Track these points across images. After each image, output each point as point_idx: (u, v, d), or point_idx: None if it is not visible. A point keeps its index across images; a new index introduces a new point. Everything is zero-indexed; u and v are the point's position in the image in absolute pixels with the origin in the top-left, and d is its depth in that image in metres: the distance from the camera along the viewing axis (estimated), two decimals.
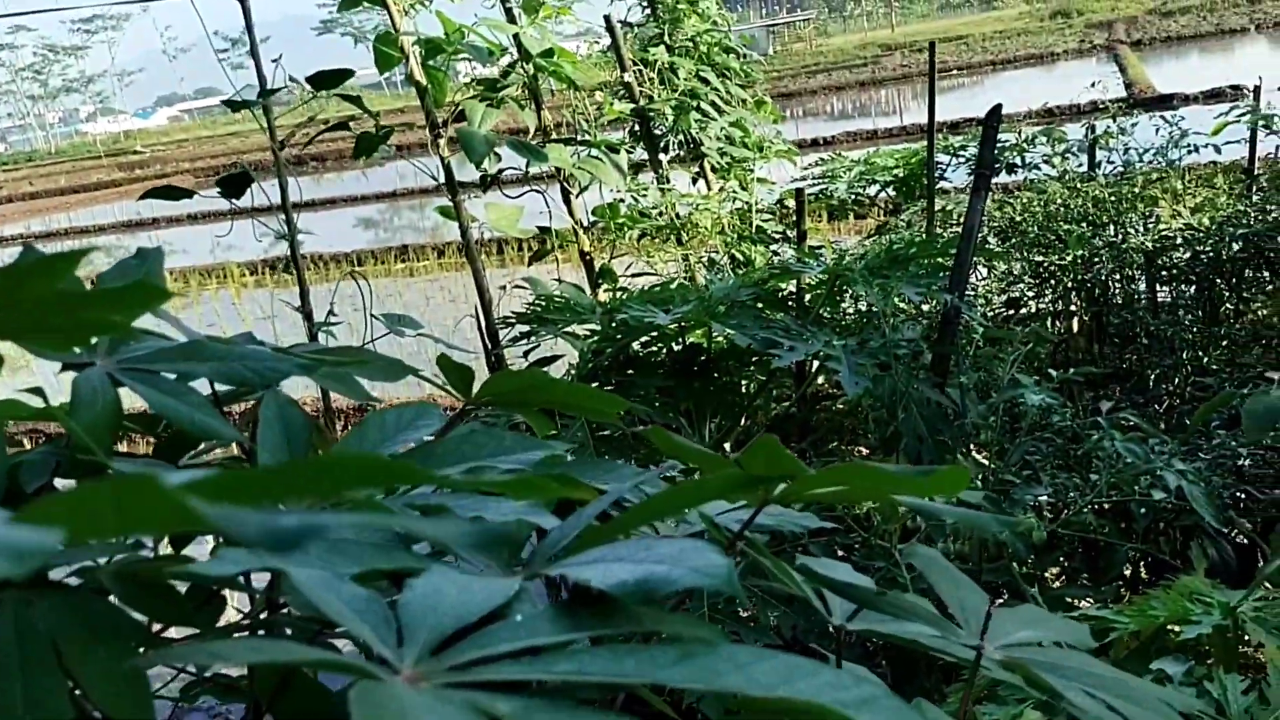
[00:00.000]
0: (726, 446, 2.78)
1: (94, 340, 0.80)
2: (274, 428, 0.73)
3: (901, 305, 2.88)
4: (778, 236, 4.57)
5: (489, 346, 3.16)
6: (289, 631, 0.84)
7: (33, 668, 0.52)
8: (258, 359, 0.80)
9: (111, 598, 0.62)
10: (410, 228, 16.88)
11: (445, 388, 1.13)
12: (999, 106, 2.19)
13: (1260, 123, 3.74)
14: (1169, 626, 1.61)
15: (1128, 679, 0.65)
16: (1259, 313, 3.69)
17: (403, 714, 0.37)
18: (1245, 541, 2.35)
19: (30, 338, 0.61)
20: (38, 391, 0.79)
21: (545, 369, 2.81)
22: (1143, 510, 1.97)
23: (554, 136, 3.86)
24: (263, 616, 0.86)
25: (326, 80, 2.49)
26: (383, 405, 1.18)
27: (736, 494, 0.68)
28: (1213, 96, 14.06)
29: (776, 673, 0.47)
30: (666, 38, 5.16)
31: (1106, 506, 2.08)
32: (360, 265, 12.35)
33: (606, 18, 4.79)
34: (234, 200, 2.48)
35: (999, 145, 3.45)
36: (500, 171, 3.60)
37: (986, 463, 2.26)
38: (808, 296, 2.99)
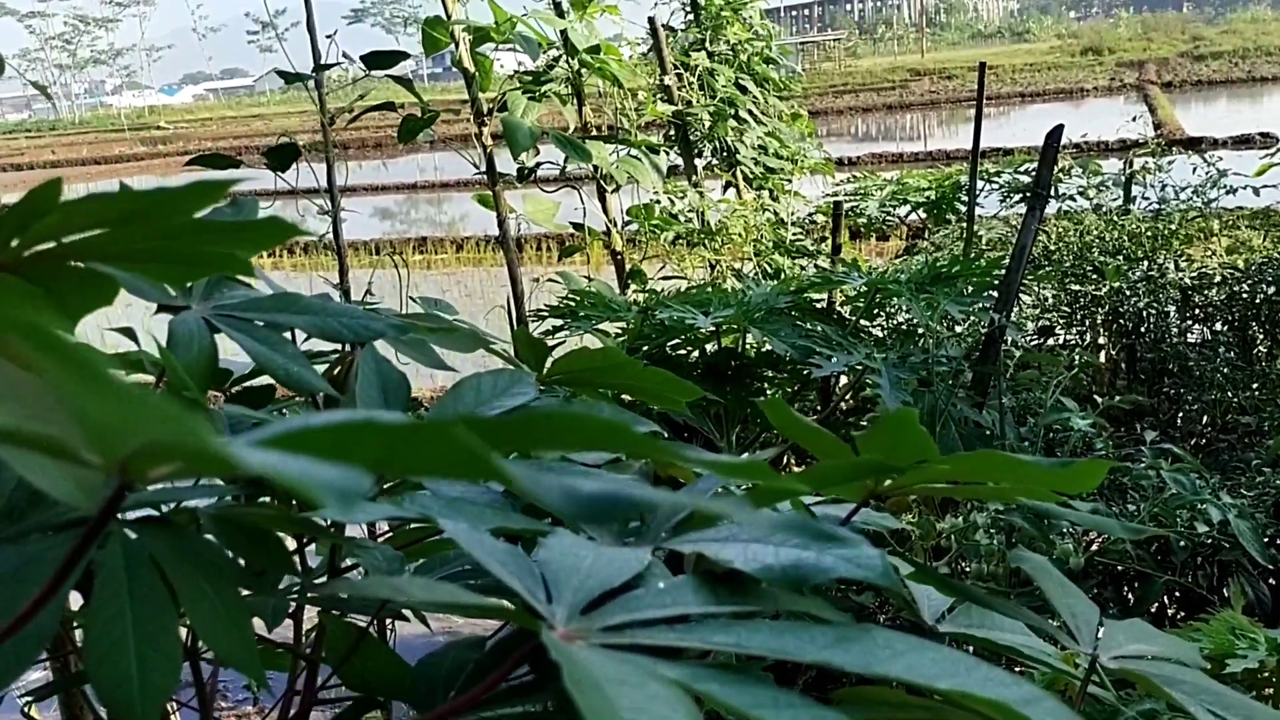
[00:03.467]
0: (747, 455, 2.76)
1: (188, 284, 0.79)
2: (373, 383, 0.71)
3: (937, 326, 2.86)
4: (809, 250, 4.56)
5: None
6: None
7: (143, 600, 0.50)
8: (351, 315, 0.79)
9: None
10: (427, 221, 16.88)
11: (514, 362, 1.11)
12: (1060, 127, 2.17)
13: None
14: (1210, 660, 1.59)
15: (1248, 700, 0.62)
16: None
17: (591, 674, 0.35)
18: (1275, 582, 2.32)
19: (148, 267, 0.59)
20: (128, 332, 0.78)
21: None
22: (1182, 543, 1.94)
23: (594, 134, 3.85)
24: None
25: (380, 60, 2.47)
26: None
27: (853, 484, 0.65)
28: (1242, 142, 14.04)
29: (937, 664, 0.45)
30: (708, 44, 5.16)
31: (1144, 537, 2.05)
32: (377, 254, 12.34)
33: (650, 19, 4.78)
34: (279, 173, 2.46)
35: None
36: (538, 165, 3.58)
37: None
38: (845, 309, 2.97)
